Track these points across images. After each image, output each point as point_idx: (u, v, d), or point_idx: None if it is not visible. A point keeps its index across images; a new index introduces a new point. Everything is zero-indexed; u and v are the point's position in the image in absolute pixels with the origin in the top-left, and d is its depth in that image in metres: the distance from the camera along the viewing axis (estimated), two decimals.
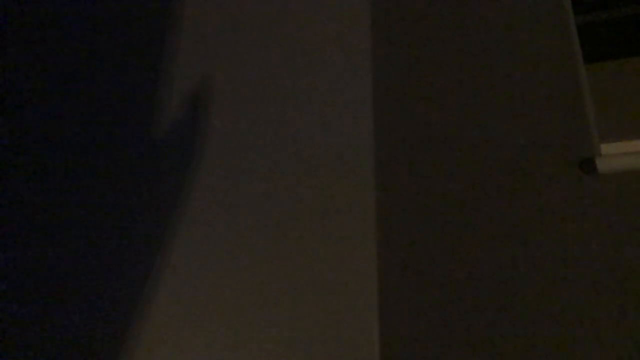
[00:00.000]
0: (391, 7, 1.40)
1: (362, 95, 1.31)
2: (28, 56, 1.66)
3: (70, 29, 1.66)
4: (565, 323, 1.00)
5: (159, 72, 1.50)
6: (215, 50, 1.48)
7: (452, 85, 1.26)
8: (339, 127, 1.29)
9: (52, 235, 1.38)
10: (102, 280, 1.30)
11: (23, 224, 1.42)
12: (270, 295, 1.17)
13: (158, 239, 1.29)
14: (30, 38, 1.68)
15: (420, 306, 1.09)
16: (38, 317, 1.30)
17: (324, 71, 1.36)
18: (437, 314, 1.07)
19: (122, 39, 1.59)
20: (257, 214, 1.26)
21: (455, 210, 1.14)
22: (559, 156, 1.12)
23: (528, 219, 1.09)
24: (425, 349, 1.05)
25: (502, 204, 1.12)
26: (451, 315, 1.06)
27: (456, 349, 1.04)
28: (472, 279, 1.08)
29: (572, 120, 1.14)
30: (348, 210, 1.20)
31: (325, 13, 1.43)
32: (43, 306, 1.31)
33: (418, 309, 1.09)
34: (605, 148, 1.14)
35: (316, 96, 1.34)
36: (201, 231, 1.28)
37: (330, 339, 1.09)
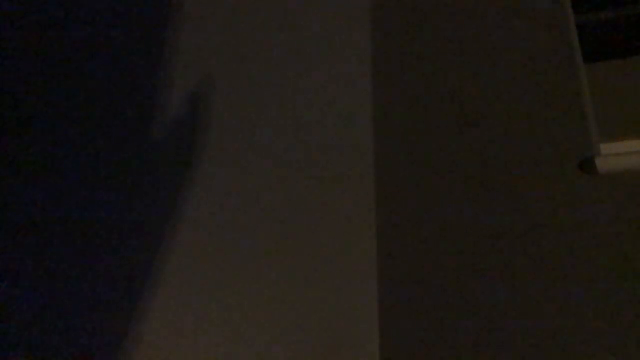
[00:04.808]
0: (391, 7, 1.40)
1: (362, 94, 1.31)
2: (28, 56, 1.66)
3: (70, 28, 1.66)
4: (565, 323, 1.00)
5: (159, 72, 1.50)
6: (215, 50, 1.48)
7: (451, 85, 1.26)
8: (340, 127, 1.29)
9: (52, 235, 1.38)
10: (102, 280, 1.30)
11: (22, 223, 1.42)
12: (270, 295, 1.17)
13: (158, 239, 1.29)
14: (30, 37, 1.68)
15: (420, 306, 1.09)
16: (38, 317, 1.30)
17: (324, 71, 1.36)
18: (437, 315, 1.07)
19: (122, 38, 1.59)
20: (257, 214, 1.26)
21: (455, 210, 1.14)
22: (559, 156, 1.12)
23: (528, 219, 1.09)
24: (426, 350, 1.05)
25: (502, 204, 1.12)
26: (451, 315, 1.06)
27: (456, 349, 1.04)
28: (472, 279, 1.08)
29: (572, 120, 1.14)
30: (348, 210, 1.20)
31: (325, 13, 1.43)
32: (43, 306, 1.31)
33: (418, 309, 1.09)
34: (605, 148, 1.14)
35: (316, 96, 1.34)
36: (201, 231, 1.28)
37: (330, 339, 1.09)
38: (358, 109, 1.30)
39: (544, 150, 1.13)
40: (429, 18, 1.35)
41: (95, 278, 1.30)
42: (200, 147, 1.37)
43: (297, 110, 1.34)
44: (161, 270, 1.26)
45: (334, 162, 1.25)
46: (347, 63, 1.35)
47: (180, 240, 1.28)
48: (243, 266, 1.21)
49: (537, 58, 1.22)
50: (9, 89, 1.62)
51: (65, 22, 1.67)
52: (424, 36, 1.33)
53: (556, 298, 1.02)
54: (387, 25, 1.38)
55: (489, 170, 1.15)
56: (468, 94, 1.24)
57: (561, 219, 1.07)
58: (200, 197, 1.31)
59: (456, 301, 1.07)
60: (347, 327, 1.09)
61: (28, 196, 1.45)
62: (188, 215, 1.30)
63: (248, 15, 1.49)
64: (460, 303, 1.07)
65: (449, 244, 1.12)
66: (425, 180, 1.19)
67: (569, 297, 1.01)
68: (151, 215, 1.33)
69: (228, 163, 1.33)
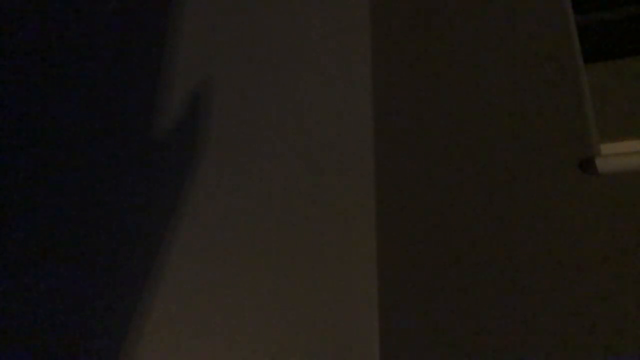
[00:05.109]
0: (391, 7, 1.40)
1: (362, 95, 1.31)
2: (28, 56, 1.66)
3: (71, 28, 1.66)
4: (565, 322, 1.00)
5: (159, 72, 1.50)
6: (215, 50, 1.48)
7: (451, 85, 1.26)
8: (340, 127, 1.29)
9: (52, 235, 1.38)
10: (101, 280, 1.30)
11: (23, 223, 1.42)
12: (270, 295, 1.17)
13: (158, 239, 1.29)
14: (31, 38, 1.68)
15: (420, 306, 1.09)
16: (38, 316, 1.30)
17: (323, 71, 1.36)
18: (437, 314, 1.07)
19: (122, 39, 1.59)
20: (257, 214, 1.26)
21: (455, 210, 1.14)
22: (559, 156, 1.12)
23: (528, 219, 1.09)
24: (425, 349, 1.05)
25: (502, 204, 1.12)
26: (451, 315, 1.06)
27: (456, 348, 1.04)
28: (472, 279, 1.08)
29: (572, 120, 1.14)
30: (348, 210, 1.20)
31: (325, 13, 1.43)
32: (43, 306, 1.31)
33: (418, 309, 1.09)
34: (605, 148, 1.14)
35: (316, 96, 1.34)
36: (201, 231, 1.28)
37: (330, 339, 1.09)
38: (358, 109, 1.30)
39: (544, 150, 1.13)
40: (428, 18, 1.35)
41: (95, 278, 1.30)
42: (200, 147, 1.37)
43: (298, 110, 1.34)
44: (161, 270, 1.26)
45: (335, 163, 1.25)
46: (347, 63, 1.35)
47: (180, 241, 1.28)
48: (243, 267, 1.21)
49: (537, 58, 1.22)
50: (9, 89, 1.62)
51: (66, 23, 1.67)
52: (423, 36, 1.33)
53: (556, 297, 1.02)
54: (387, 25, 1.38)
55: (488, 171, 1.15)
56: (468, 93, 1.24)
57: (561, 218, 1.07)
58: (201, 197, 1.31)
59: (456, 301, 1.07)
60: (347, 327, 1.09)
61: (28, 196, 1.45)
62: (188, 215, 1.30)
63: (248, 15, 1.50)
64: (460, 303, 1.07)
65: (449, 244, 1.12)
66: (425, 180, 1.19)
67: (569, 296, 1.01)
68: (151, 215, 1.33)
69: (228, 163, 1.33)
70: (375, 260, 1.14)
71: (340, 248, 1.17)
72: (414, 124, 1.25)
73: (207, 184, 1.32)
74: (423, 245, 1.14)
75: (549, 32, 1.23)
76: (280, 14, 1.47)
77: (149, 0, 1.61)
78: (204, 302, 1.20)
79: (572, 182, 1.09)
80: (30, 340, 1.29)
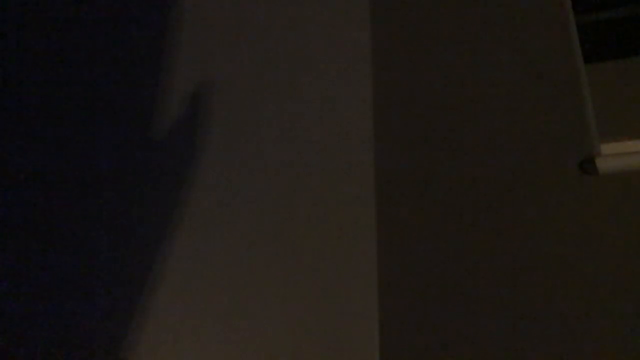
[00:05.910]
0: (391, 7, 1.40)
1: (362, 95, 1.31)
2: (27, 55, 1.66)
3: (70, 28, 1.66)
4: (565, 324, 1.00)
5: (159, 72, 1.50)
6: (214, 50, 1.48)
7: (452, 85, 1.26)
8: (339, 127, 1.29)
9: (51, 235, 1.38)
10: (101, 280, 1.30)
11: (22, 223, 1.42)
12: (269, 296, 1.17)
13: (157, 239, 1.29)
14: (30, 37, 1.68)
15: (420, 306, 1.09)
16: (38, 316, 1.30)
17: (323, 71, 1.36)
18: (437, 314, 1.07)
19: (122, 38, 1.59)
20: (257, 215, 1.26)
21: (455, 210, 1.15)
22: (559, 156, 1.12)
23: (528, 219, 1.09)
24: (425, 349, 1.05)
25: (502, 204, 1.12)
26: (451, 315, 1.06)
27: (456, 349, 1.04)
28: (472, 279, 1.08)
29: (572, 120, 1.14)
30: (348, 210, 1.20)
31: (325, 12, 1.43)
32: (42, 306, 1.31)
33: (418, 309, 1.09)
34: (605, 148, 1.14)
35: (316, 96, 1.34)
36: (201, 231, 1.28)
37: (330, 339, 1.09)
38: (358, 109, 1.30)
39: (544, 150, 1.13)
40: (429, 18, 1.35)
41: (94, 279, 1.30)
42: (200, 148, 1.37)
43: (297, 110, 1.34)
44: (160, 270, 1.26)
45: (334, 163, 1.25)
46: (347, 63, 1.35)
47: (179, 241, 1.28)
48: (242, 267, 1.21)
49: (537, 58, 1.22)
50: (9, 89, 1.62)
51: (65, 22, 1.67)
52: (424, 36, 1.33)
53: (556, 299, 1.02)
54: (387, 24, 1.38)
55: (488, 170, 1.16)
56: (467, 93, 1.24)
57: (561, 219, 1.07)
58: (200, 197, 1.31)
59: (456, 302, 1.07)
60: (347, 327, 1.09)
61: (27, 196, 1.45)
62: (187, 216, 1.30)
63: (247, 14, 1.49)
64: (460, 303, 1.07)
65: (449, 244, 1.12)
66: (424, 180, 1.19)
67: (569, 298, 1.01)
68: (151, 215, 1.33)
69: (228, 163, 1.33)
70: (375, 260, 1.14)
71: (340, 248, 1.17)
72: (414, 124, 1.25)
73: (206, 184, 1.32)
74: (423, 245, 1.14)
75: (549, 32, 1.23)
76: (280, 14, 1.47)
77: (149, 0, 1.61)
78: (203, 302, 1.20)
79: (572, 182, 1.09)
80: (29, 341, 1.29)
